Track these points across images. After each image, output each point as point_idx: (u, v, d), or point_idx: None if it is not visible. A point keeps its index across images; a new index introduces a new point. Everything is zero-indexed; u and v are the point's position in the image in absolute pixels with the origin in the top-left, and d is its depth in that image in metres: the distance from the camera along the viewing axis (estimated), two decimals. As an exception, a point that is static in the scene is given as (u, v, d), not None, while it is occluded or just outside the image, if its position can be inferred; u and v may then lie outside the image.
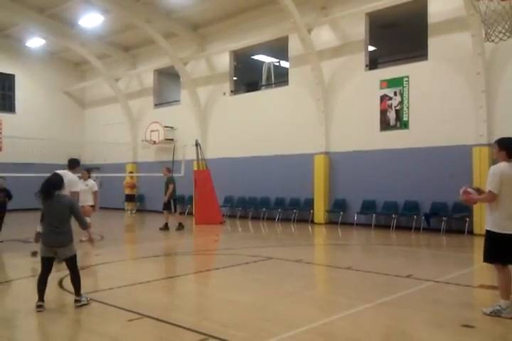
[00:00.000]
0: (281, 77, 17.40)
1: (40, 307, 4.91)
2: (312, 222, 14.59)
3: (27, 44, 20.32)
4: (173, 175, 13.65)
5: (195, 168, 15.83)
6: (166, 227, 12.79)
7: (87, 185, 10.16)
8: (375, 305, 5.10)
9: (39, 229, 5.46)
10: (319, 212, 14.49)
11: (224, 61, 17.78)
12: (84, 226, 5.36)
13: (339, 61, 14.44)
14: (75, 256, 5.17)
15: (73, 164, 7.66)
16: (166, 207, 12.91)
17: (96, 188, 10.36)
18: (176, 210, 13.13)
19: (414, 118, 12.92)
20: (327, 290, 6.41)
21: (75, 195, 7.24)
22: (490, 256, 4.71)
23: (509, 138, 4.76)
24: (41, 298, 4.98)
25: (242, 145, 16.86)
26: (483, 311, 4.74)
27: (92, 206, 10.10)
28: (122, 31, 18.82)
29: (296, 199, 15.29)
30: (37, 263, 5.48)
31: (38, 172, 13.50)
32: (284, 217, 15.32)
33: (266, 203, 16.02)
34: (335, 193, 14.48)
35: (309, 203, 14.82)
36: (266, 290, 5.99)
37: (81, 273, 5.30)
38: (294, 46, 15.30)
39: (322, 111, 14.59)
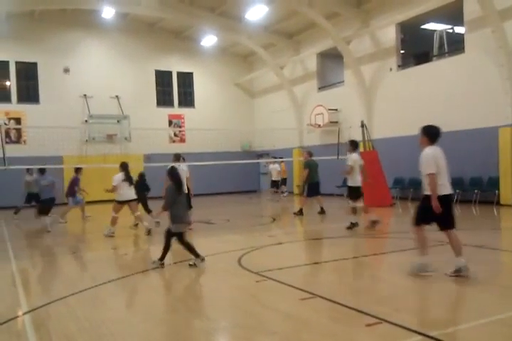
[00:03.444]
0: (455, 45, 15.75)
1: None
2: (498, 203, 13.02)
3: (202, 43, 22.19)
4: (340, 157, 13.47)
5: (362, 150, 15.43)
6: (300, 212, 12.48)
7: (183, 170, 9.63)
8: None
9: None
10: (507, 192, 12.84)
11: (389, 35, 16.83)
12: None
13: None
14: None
15: None
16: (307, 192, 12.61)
17: (187, 174, 10.00)
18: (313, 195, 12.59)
19: None
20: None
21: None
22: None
23: (432, 126, 5.74)
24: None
25: (412, 123, 15.70)
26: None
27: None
28: (285, 19, 19.23)
29: (478, 179, 13.79)
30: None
31: (215, 160, 14.77)
32: (463, 198, 13.95)
33: (441, 184, 14.79)
34: (526, 170, 12.63)
35: (494, 182, 13.23)
36: (438, 275, 5.51)
37: (256, 252, 5.58)
38: (470, 8, 13.64)
39: (507, 78, 12.79)
